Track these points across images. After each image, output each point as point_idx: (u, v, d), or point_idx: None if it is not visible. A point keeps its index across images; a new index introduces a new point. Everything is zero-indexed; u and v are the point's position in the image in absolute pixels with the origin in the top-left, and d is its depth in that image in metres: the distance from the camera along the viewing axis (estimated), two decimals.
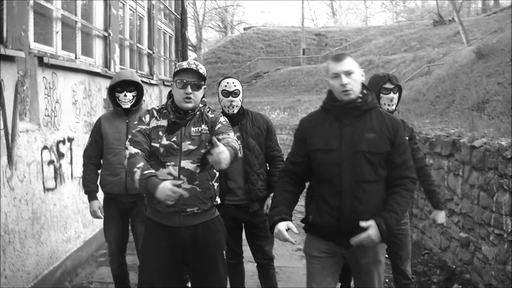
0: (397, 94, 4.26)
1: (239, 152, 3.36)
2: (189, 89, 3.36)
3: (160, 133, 3.42)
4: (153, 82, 10.90)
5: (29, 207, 4.89)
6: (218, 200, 3.61)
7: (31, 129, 5.00)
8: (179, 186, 3.15)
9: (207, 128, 3.45)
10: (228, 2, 55.47)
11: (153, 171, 3.25)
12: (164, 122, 3.46)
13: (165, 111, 3.51)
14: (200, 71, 3.41)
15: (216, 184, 3.54)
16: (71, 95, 6.09)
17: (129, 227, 4.88)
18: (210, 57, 45.84)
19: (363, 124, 3.17)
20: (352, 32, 48.65)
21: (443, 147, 6.36)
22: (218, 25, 58.67)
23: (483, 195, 5.16)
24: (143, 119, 3.51)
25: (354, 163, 3.10)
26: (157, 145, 3.40)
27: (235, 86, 4.33)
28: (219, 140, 3.21)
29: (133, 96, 4.61)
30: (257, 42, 47.39)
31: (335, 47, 44.08)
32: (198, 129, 3.43)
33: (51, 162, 5.46)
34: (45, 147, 5.30)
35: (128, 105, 4.57)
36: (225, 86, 4.33)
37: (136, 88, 4.64)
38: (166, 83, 12.23)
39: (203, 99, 3.59)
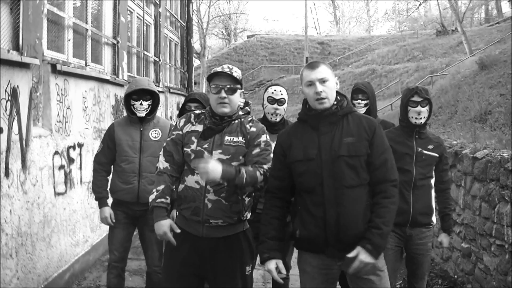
0: (426, 108, 4.13)
1: (259, 182, 3.23)
2: (223, 94, 3.26)
3: (193, 138, 3.34)
4: (159, 89, 10.99)
5: (40, 211, 5.00)
6: (248, 215, 3.45)
7: (44, 135, 5.11)
8: (173, 231, 3.27)
9: (243, 141, 3.32)
10: (232, 9, 55.71)
11: (164, 199, 3.32)
12: (199, 127, 3.38)
13: (203, 116, 3.43)
14: (234, 74, 3.30)
15: (247, 199, 3.39)
16: (81, 102, 6.20)
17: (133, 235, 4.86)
18: (214, 64, 45.72)
19: (341, 129, 3.12)
20: (355, 41, 48.70)
21: None
22: (222, 32, 58.78)
23: (485, 206, 5.22)
24: (178, 124, 3.47)
25: (335, 170, 3.04)
26: (188, 150, 3.33)
27: (281, 94, 4.30)
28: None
29: (149, 105, 4.58)
30: (261, 50, 47.46)
31: (338, 55, 44.16)
32: (233, 139, 3.30)
33: (61, 167, 5.57)
34: (56, 152, 5.41)
35: (143, 114, 4.55)
36: (272, 93, 4.30)
37: (152, 97, 4.62)
38: (171, 90, 12.34)
39: (246, 107, 3.51)
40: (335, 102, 3.17)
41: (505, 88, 10.19)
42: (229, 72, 3.30)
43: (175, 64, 14.19)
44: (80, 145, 6.15)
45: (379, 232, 2.99)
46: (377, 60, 37.18)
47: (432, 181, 4.26)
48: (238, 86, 3.34)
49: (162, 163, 3.41)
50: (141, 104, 4.54)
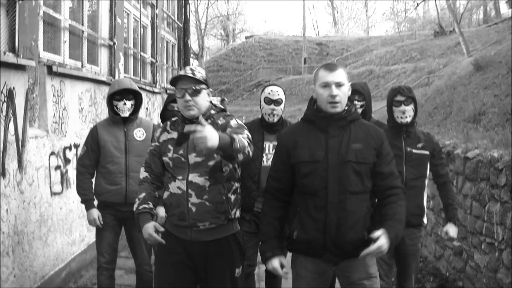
0: (411, 106, 4.14)
1: (247, 147, 3.00)
2: (187, 97, 3.17)
3: (170, 146, 3.31)
4: (156, 90, 11.06)
5: (37, 210, 5.06)
6: (237, 213, 3.37)
7: (40, 135, 5.18)
8: (158, 232, 3.25)
9: None
10: (230, 10, 55.82)
11: (147, 205, 3.32)
12: (175, 135, 3.32)
13: (177, 123, 3.38)
14: (197, 75, 3.20)
15: (233, 197, 3.30)
16: (77, 103, 6.27)
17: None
18: (212, 65, 45.88)
19: (349, 134, 3.07)
20: (353, 42, 48.69)
21: None
22: (220, 33, 58.85)
23: (476, 205, 5.28)
24: (155, 135, 3.48)
25: (341, 174, 3.00)
26: (166, 159, 3.31)
27: (278, 95, 4.28)
28: None
29: (132, 105, 4.58)
30: (259, 51, 47.44)
31: (336, 56, 44.11)
32: None
33: (58, 167, 5.64)
34: (52, 153, 5.48)
35: (126, 114, 4.53)
36: (269, 93, 4.29)
37: (135, 96, 4.62)
38: (168, 91, 12.39)
39: (220, 106, 3.43)
40: (346, 107, 3.13)
41: (499, 89, 10.23)
42: (191, 74, 3.21)
43: (172, 65, 14.25)
44: (76, 146, 6.20)
45: (400, 225, 2.98)
46: (375, 61, 37.21)
47: (426, 181, 4.26)
48: (203, 86, 3.25)
49: (142, 173, 3.46)
50: (124, 104, 4.52)
